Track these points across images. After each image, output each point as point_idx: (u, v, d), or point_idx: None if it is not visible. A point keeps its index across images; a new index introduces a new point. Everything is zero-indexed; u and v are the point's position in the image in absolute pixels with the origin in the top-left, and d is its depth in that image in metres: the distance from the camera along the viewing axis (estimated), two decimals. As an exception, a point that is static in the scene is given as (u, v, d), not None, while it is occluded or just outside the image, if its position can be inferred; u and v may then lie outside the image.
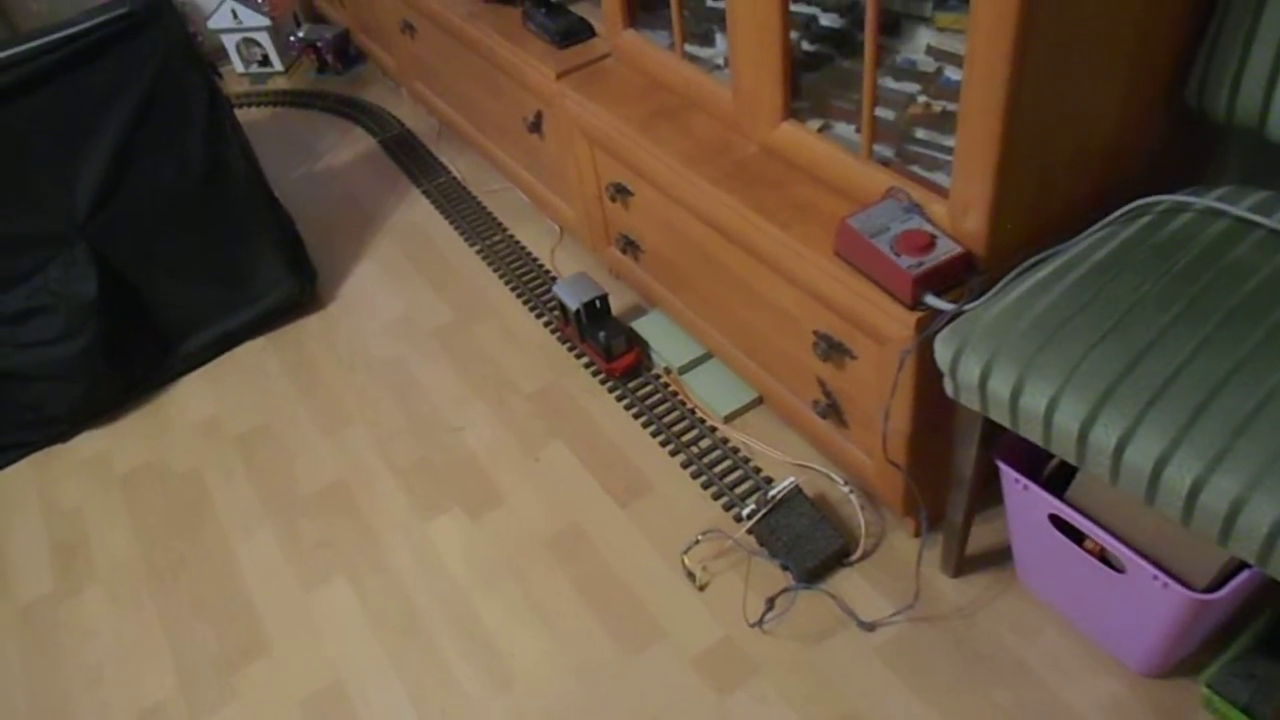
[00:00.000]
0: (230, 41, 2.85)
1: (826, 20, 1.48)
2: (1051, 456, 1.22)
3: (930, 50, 1.34)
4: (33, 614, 1.54)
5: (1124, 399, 0.93)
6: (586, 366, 1.78)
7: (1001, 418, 1.03)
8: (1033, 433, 1.00)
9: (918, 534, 1.41)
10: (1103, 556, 1.13)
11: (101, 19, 1.59)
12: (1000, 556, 1.36)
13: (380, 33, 2.52)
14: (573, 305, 1.71)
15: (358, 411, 1.78)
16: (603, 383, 1.74)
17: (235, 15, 2.77)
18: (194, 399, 1.87)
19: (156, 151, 1.73)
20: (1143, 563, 1.06)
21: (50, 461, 1.79)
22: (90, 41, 1.59)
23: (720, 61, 1.53)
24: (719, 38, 1.56)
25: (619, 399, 1.70)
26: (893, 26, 1.39)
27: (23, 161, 1.60)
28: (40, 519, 1.69)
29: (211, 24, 2.80)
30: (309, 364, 1.90)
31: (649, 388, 1.71)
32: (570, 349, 1.82)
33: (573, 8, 1.79)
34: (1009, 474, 1.16)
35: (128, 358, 1.82)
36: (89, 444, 1.81)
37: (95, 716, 1.39)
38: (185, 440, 1.79)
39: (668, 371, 1.73)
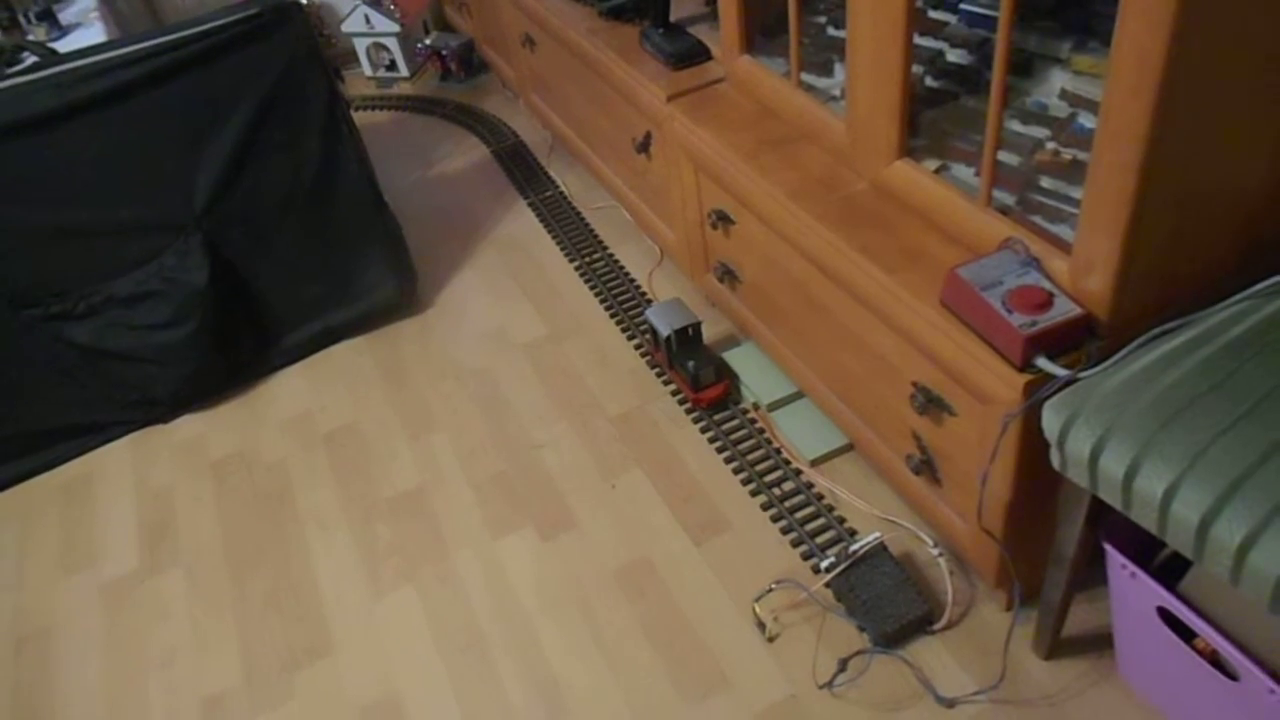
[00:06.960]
0: (361, 45, 2.93)
1: (954, 56, 1.41)
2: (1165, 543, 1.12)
3: (1064, 94, 1.26)
4: (116, 589, 1.59)
5: (1253, 494, 0.84)
6: (673, 394, 1.74)
7: (1112, 498, 0.95)
8: (1146, 519, 0.92)
9: (1009, 608, 1.31)
10: (1214, 659, 1.03)
11: (232, 19, 1.64)
12: (1099, 642, 1.26)
13: (502, 44, 2.54)
14: (664, 331, 1.67)
15: (443, 419, 1.78)
16: (688, 413, 1.70)
17: (368, 20, 2.85)
18: (289, 392, 1.90)
19: (275, 150, 1.77)
20: (1259, 673, 0.96)
21: (148, 441, 1.85)
22: (220, 40, 1.64)
23: (836, 92, 1.47)
24: (838, 68, 1.50)
25: (703, 430, 1.66)
26: (1024, 66, 1.31)
27: (149, 152, 1.66)
28: (133, 497, 1.74)
29: (345, 28, 2.88)
30: (402, 367, 1.91)
31: (735, 422, 1.66)
32: (659, 375, 1.78)
33: (691, 30, 1.77)
34: (1115, 558, 1.07)
35: (231, 347, 1.87)
36: (187, 427, 1.86)
37: (162, 698, 1.42)
38: (277, 432, 1.82)
39: (756, 407, 1.67)
